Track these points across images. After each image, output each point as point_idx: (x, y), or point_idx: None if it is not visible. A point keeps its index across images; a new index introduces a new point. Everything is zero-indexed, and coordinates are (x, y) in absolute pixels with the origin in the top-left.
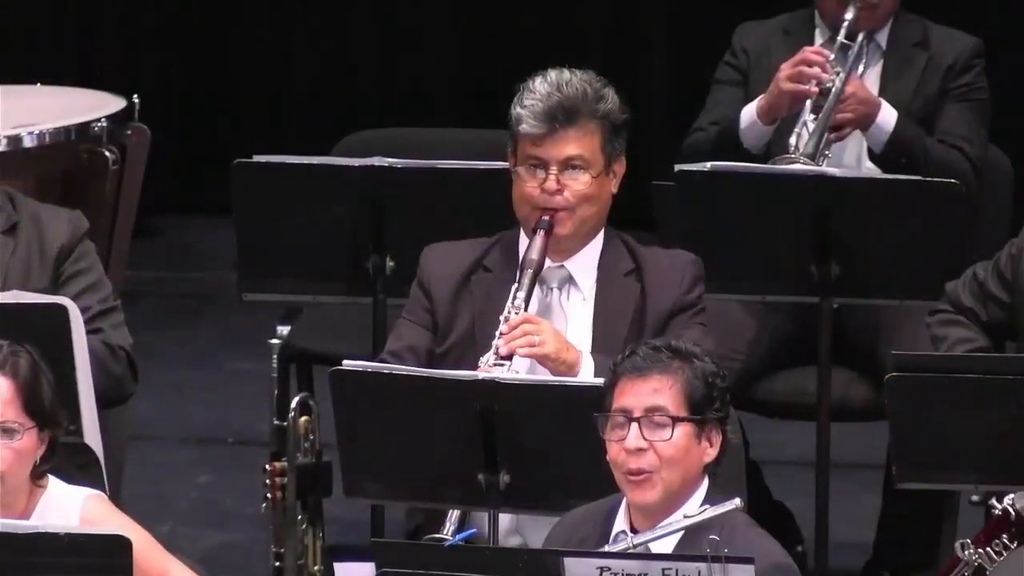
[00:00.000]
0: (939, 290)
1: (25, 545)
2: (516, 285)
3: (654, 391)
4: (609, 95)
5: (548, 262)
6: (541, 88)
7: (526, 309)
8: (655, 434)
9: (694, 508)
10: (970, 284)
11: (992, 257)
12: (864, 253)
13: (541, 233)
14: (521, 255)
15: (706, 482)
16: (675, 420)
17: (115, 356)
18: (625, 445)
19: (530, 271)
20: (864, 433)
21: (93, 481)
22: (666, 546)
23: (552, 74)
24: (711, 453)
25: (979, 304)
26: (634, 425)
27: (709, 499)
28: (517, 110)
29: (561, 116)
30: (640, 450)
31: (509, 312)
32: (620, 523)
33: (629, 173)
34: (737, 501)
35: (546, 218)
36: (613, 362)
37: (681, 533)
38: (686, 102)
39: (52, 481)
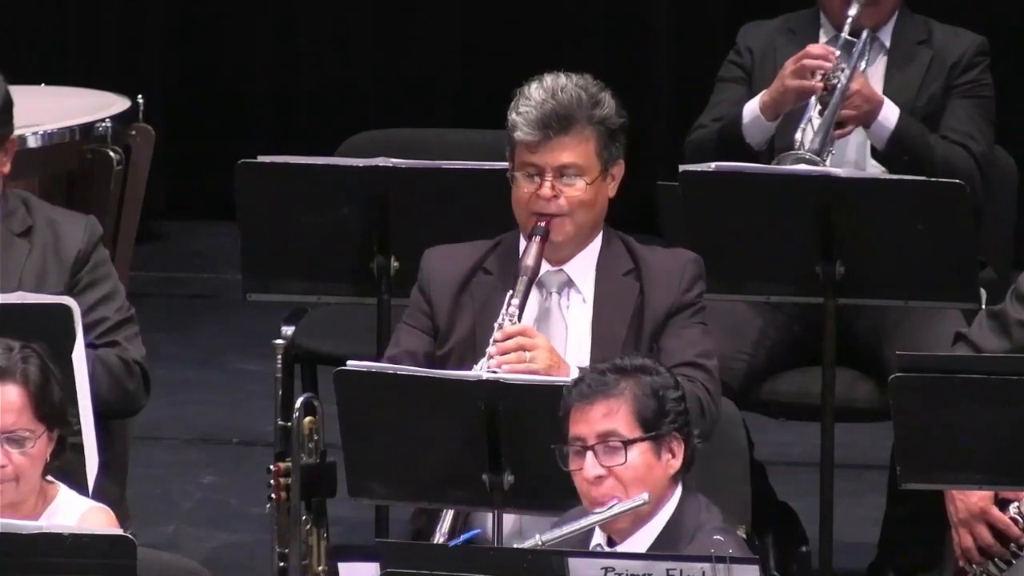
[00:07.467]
0: (943, 291)
1: (29, 545)
2: (511, 292)
3: (604, 416)
4: (605, 100)
5: (547, 266)
6: (536, 94)
7: (520, 316)
8: (611, 459)
9: (665, 518)
10: (986, 323)
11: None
12: (869, 253)
13: (537, 239)
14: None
15: (679, 490)
16: (627, 443)
17: (130, 372)
18: (584, 475)
19: (525, 278)
20: (868, 434)
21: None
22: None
23: (548, 79)
24: (675, 464)
25: (1003, 336)
26: (589, 454)
27: (684, 504)
28: (513, 116)
29: (555, 123)
30: (599, 478)
31: (503, 319)
32: (597, 536)
33: (634, 178)
34: (645, 496)
35: (541, 224)
36: (563, 391)
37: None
38: (690, 104)
39: (62, 489)
